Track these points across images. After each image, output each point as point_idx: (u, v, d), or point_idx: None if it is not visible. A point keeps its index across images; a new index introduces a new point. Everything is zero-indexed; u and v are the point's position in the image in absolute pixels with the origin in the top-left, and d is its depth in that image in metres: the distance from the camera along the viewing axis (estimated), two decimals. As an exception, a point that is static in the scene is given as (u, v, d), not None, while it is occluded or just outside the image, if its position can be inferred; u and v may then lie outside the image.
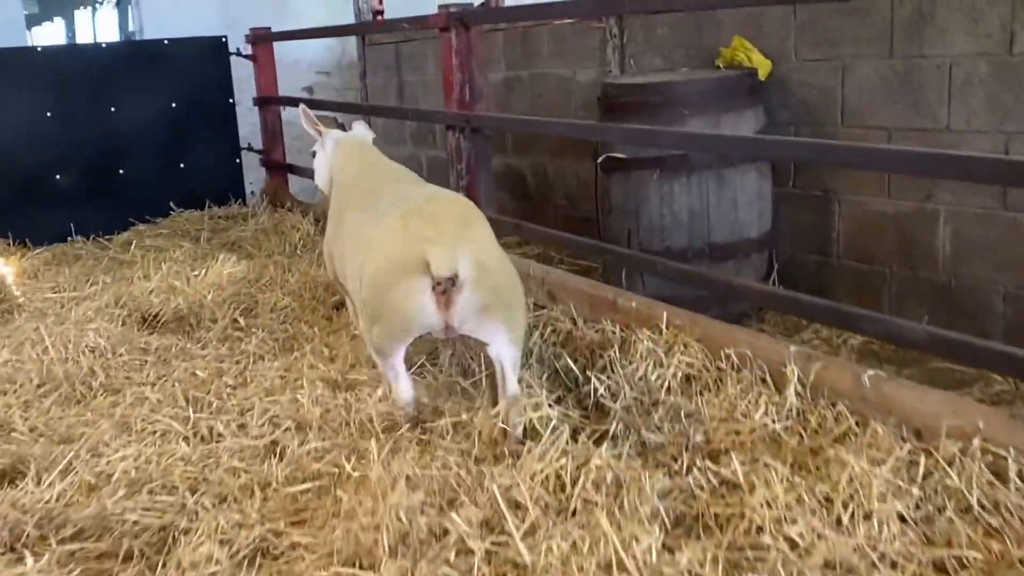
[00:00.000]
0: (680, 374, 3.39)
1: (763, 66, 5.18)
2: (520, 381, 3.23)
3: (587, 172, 6.64)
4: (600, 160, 5.03)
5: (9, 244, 6.96)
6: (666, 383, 3.34)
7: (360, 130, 4.41)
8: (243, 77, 7.93)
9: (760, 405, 3.08)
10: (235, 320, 4.63)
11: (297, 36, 7.53)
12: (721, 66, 5.31)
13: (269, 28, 7.71)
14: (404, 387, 3.28)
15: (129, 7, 9.33)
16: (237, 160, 7.77)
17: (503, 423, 3.04)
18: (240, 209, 7.65)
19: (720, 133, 4.74)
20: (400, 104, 8.84)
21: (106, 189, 7.40)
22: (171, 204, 7.58)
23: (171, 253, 6.30)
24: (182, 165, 7.60)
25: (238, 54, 7.69)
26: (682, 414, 3.15)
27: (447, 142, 5.26)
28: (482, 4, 8.85)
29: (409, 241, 3.00)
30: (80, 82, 7.27)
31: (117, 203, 7.40)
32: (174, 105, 7.52)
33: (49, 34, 20.71)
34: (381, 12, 9.05)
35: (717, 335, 3.46)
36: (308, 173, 5.17)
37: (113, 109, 7.36)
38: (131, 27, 9.32)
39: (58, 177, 7.26)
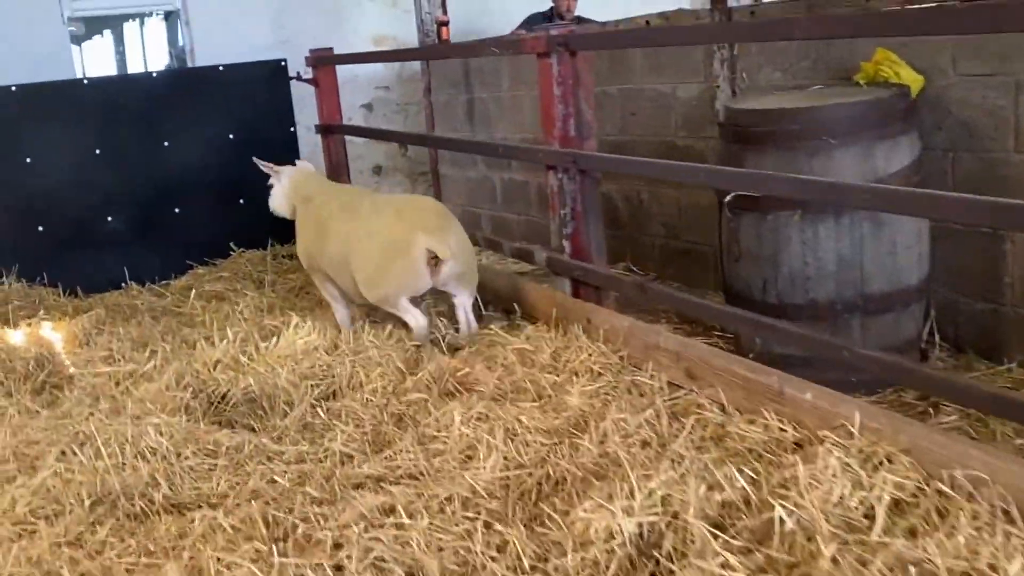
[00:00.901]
0: (887, 497, 2.67)
1: (915, 83, 4.41)
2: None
3: (688, 199, 5.92)
4: (727, 199, 4.31)
5: (59, 295, 6.42)
6: (873, 516, 2.61)
7: (305, 164, 5.65)
8: (298, 97, 7.32)
9: (1016, 555, 2.35)
10: (314, 405, 3.99)
11: (364, 59, 6.89)
12: (862, 83, 4.55)
13: (331, 49, 7.07)
14: (417, 313, 4.49)
15: (179, 22, 8.76)
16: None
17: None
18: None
19: (876, 167, 4.01)
20: (470, 125, 8.17)
21: (161, 230, 6.85)
22: (231, 244, 6.99)
23: (234, 306, 5.69)
24: (241, 201, 7.00)
25: (298, 78, 7.07)
26: (908, 565, 2.42)
27: (547, 183, 4.56)
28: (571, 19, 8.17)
29: (408, 228, 4.37)
30: (130, 115, 6.72)
31: (173, 245, 6.85)
32: (231, 136, 6.93)
33: (97, 50, 20.52)
34: (446, 23, 8.37)
35: (933, 447, 2.72)
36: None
37: (167, 143, 6.80)
38: (180, 42, 8.76)
39: (109, 219, 6.72)
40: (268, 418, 3.99)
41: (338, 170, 7.18)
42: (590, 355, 4.03)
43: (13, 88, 6.46)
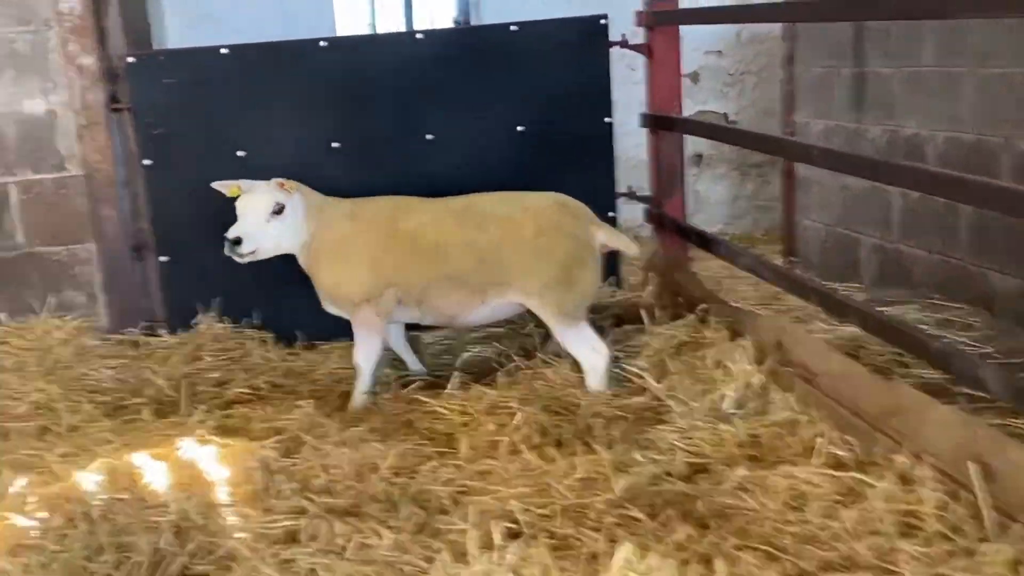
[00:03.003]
0: None
1: None
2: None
3: None
4: None
5: (268, 344, 4.55)
6: None
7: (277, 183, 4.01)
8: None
9: None
10: None
11: (725, 18, 4.48)
12: None
13: (673, 2, 4.71)
14: (601, 341, 3.93)
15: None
16: (611, 213, 4.88)
17: None
18: (614, 295, 4.79)
19: None
20: (856, 110, 5.57)
21: None
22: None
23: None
24: (528, 220, 4.85)
25: (624, 44, 4.75)
26: None
27: None
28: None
29: (581, 222, 3.99)
30: (381, 95, 4.68)
31: None
32: (520, 129, 4.74)
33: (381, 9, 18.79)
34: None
35: None
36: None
37: (429, 137, 4.71)
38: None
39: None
40: None
41: (670, 183, 4.84)
42: None
43: (223, 51, 4.57)
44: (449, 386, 3.99)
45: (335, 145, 4.68)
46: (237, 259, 3.89)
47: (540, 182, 4.73)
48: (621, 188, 4.99)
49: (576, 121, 4.74)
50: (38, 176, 4.66)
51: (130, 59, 4.54)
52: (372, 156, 4.68)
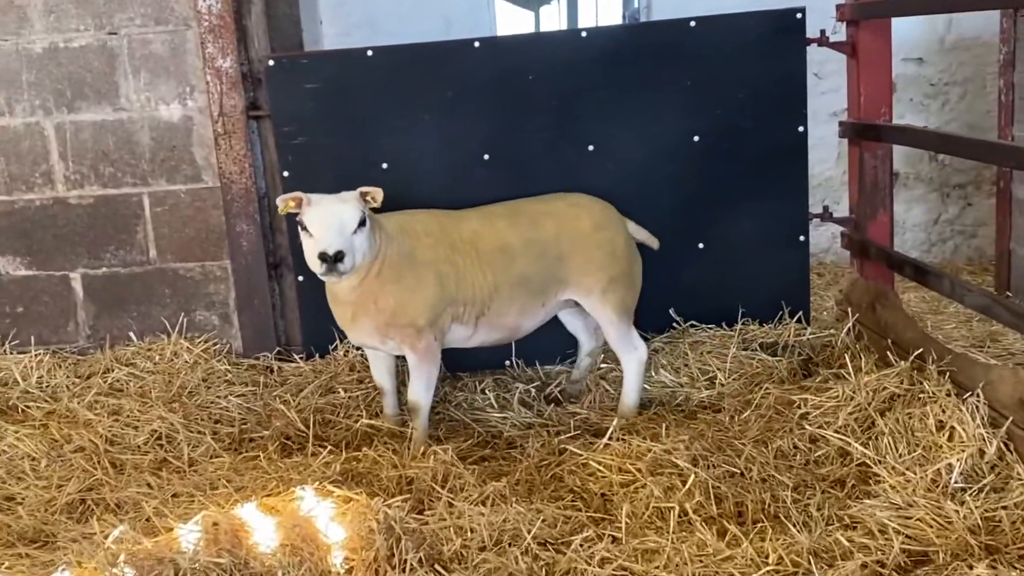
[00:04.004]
0: None
1: None
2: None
3: None
4: None
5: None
6: None
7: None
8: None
9: None
10: None
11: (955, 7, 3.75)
12: None
13: (885, -10, 4.02)
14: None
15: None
16: (801, 238, 4.20)
17: None
18: (801, 333, 4.11)
19: None
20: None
21: None
22: (672, 311, 4.26)
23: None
24: (701, 246, 4.23)
25: (823, 42, 4.08)
26: None
27: None
28: None
29: (614, 218, 3.89)
30: (539, 99, 4.16)
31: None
32: (696, 139, 4.13)
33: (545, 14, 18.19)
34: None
35: None
36: None
37: (591, 148, 4.16)
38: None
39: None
40: None
41: (874, 203, 4.13)
42: None
43: (369, 52, 4.15)
44: (610, 434, 3.42)
45: (486, 157, 4.19)
46: (335, 279, 3.38)
47: (718, 200, 4.15)
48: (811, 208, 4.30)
49: (764, 130, 4.08)
50: (172, 187, 4.36)
51: (270, 62, 4.18)
52: (527, 168, 4.16)
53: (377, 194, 3.36)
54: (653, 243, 3.96)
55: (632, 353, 3.81)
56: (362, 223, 3.33)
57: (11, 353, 4.38)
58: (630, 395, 3.83)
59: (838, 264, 6.37)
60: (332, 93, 4.18)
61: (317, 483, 3.11)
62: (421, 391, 3.61)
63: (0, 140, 4.33)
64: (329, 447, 3.53)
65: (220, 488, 3.34)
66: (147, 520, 3.12)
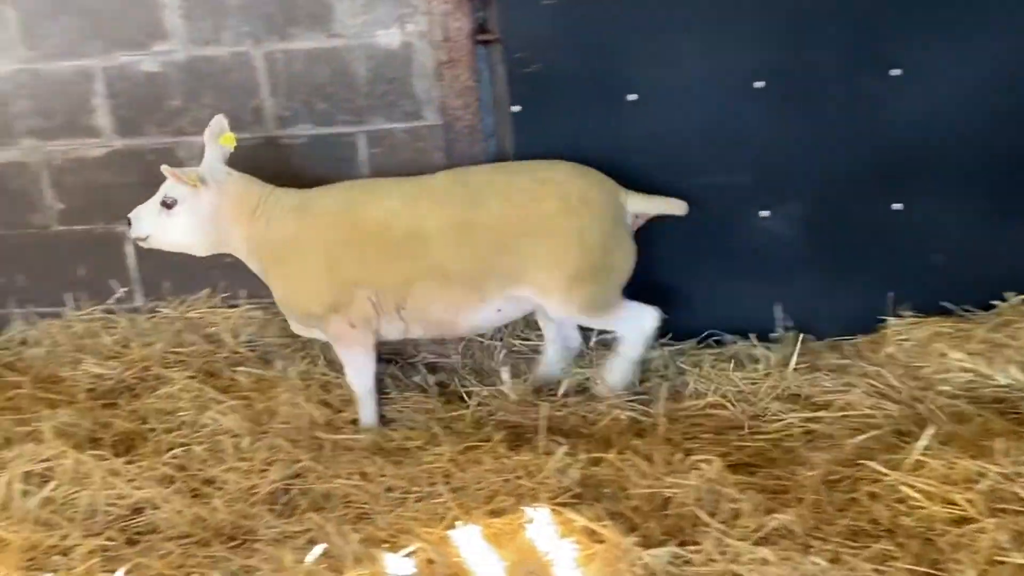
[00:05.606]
0: None
1: None
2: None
3: None
4: None
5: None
6: None
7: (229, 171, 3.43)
8: None
9: None
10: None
11: None
12: None
13: None
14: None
15: None
16: None
17: None
18: None
19: None
20: None
21: (856, 244, 3.54)
22: (997, 286, 3.39)
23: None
24: (1038, 197, 3.33)
25: None
26: None
27: None
28: None
29: (608, 189, 3.29)
30: (824, 15, 3.34)
31: (878, 274, 3.51)
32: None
33: None
34: None
35: None
36: None
37: (895, 72, 3.32)
38: None
39: (764, 214, 3.57)
40: None
41: None
42: None
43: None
44: (918, 446, 2.65)
45: (758, 85, 3.42)
46: (142, 244, 3.44)
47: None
48: None
49: None
50: (390, 125, 3.83)
51: (501, -26, 3.55)
52: (810, 100, 3.38)
53: (192, 177, 3.27)
54: (676, 209, 3.35)
55: (635, 325, 3.32)
56: (169, 204, 3.30)
57: (221, 307, 4.04)
58: (616, 370, 3.34)
59: None
60: (573, 12, 3.50)
61: (551, 497, 2.54)
62: (350, 376, 3.41)
63: (206, 72, 3.93)
64: (566, 446, 2.93)
65: (437, 485, 2.83)
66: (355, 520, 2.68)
